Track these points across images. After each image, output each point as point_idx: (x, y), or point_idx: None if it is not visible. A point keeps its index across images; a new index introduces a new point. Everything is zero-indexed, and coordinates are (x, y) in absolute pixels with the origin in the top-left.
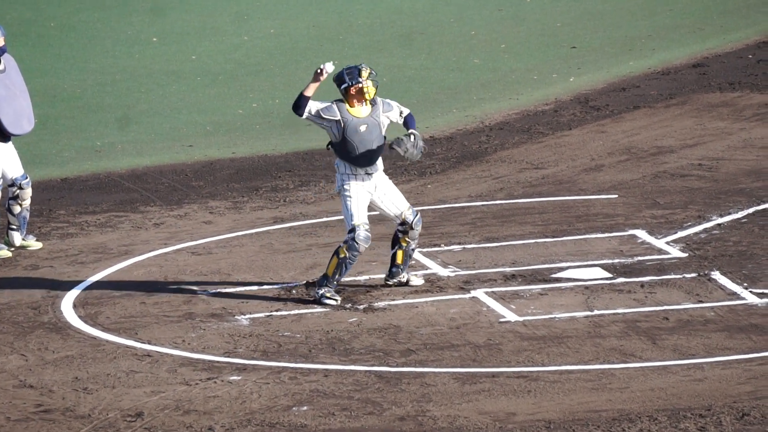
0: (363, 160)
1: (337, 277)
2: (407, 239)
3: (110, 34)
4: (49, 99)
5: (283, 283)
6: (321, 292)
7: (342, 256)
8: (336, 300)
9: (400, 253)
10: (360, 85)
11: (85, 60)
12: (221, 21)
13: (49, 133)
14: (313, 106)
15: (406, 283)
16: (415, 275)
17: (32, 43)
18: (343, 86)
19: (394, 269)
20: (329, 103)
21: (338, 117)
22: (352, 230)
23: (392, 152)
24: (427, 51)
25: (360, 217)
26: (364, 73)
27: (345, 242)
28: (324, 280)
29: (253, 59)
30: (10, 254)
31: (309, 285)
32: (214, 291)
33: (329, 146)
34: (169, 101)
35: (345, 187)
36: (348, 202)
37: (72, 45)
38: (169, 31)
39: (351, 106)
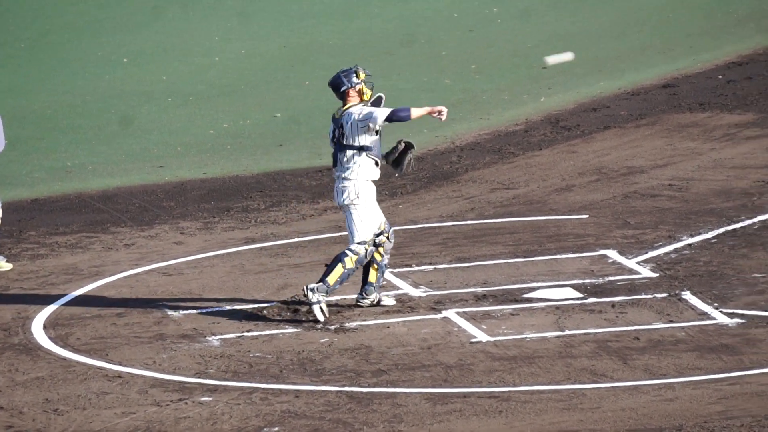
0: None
1: (336, 287)
2: (381, 252)
3: (81, 55)
4: (19, 120)
5: (255, 303)
6: (318, 300)
7: (350, 267)
8: (325, 316)
9: (373, 271)
10: (360, 87)
11: (55, 81)
12: (192, 42)
13: (19, 154)
14: (369, 117)
15: (378, 304)
16: (387, 295)
17: (2, 64)
18: (342, 88)
19: (367, 287)
20: (362, 103)
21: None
22: (364, 243)
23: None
24: (398, 71)
25: (372, 230)
26: (362, 75)
27: (355, 253)
28: (323, 287)
29: (224, 80)
30: None
31: (308, 290)
32: (185, 311)
33: (385, 157)
34: (139, 122)
35: (361, 195)
36: (365, 211)
37: (42, 66)
38: (140, 51)
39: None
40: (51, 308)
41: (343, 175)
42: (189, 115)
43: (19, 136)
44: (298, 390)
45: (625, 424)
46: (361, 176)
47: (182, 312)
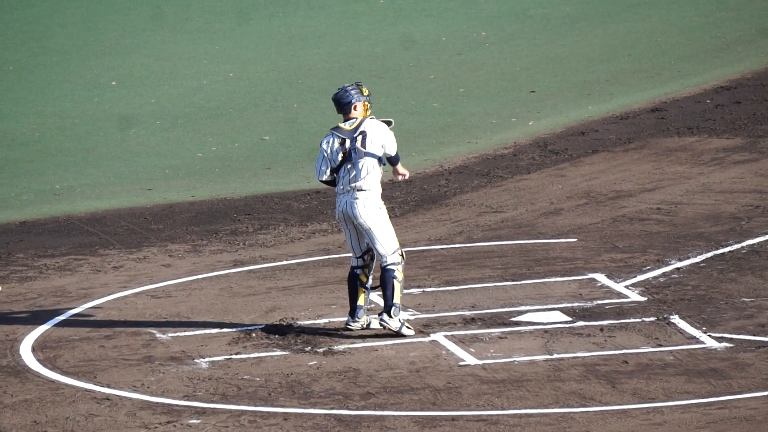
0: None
1: (402, 299)
2: (367, 274)
3: (69, 78)
4: (8, 142)
5: (243, 326)
6: (399, 324)
7: (402, 277)
8: (413, 331)
9: (362, 294)
10: (365, 102)
11: (44, 104)
12: (180, 65)
13: (7, 177)
14: (389, 138)
15: (368, 327)
16: (374, 317)
17: None
18: (351, 101)
19: (358, 311)
20: (376, 120)
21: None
22: (398, 248)
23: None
24: (386, 95)
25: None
26: (365, 91)
27: (397, 264)
28: (396, 309)
29: (213, 103)
30: None
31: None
32: (173, 334)
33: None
34: (128, 145)
35: (380, 205)
36: (386, 221)
37: (31, 88)
38: (128, 74)
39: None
40: (39, 330)
41: (358, 185)
42: (177, 138)
43: (8, 159)
44: (286, 413)
45: None
46: (375, 186)
47: (171, 334)
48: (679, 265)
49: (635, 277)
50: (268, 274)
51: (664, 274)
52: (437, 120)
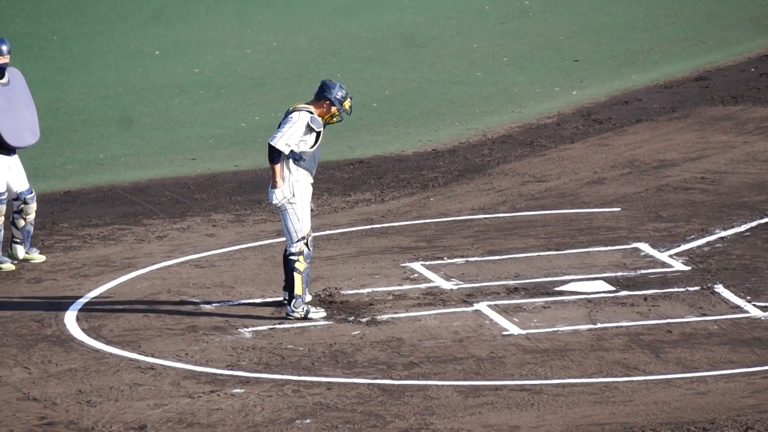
0: (315, 167)
1: (306, 291)
2: (303, 260)
3: (113, 48)
4: (52, 112)
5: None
6: (303, 312)
7: (302, 269)
8: (322, 312)
9: (299, 279)
10: (333, 109)
11: (87, 73)
12: (224, 34)
13: (52, 146)
14: (300, 125)
15: (305, 316)
16: (315, 310)
17: (35, 57)
18: (326, 94)
19: (296, 299)
20: (310, 114)
21: (321, 128)
22: (303, 239)
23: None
24: (429, 64)
25: (308, 225)
26: (346, 104)
27: (299, 253)
28: (298, 301)
29: (256, 72)
30: (13, 267)
31: (284, 310)
32: (217, 304)
33: (294, 157)
34: (171, 114)
35: (296, 194)
36: (298, 211)
37: (74, 58)
38: (172, 44)
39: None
40: (84, 300)
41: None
42: (221, 108)
43: (52, 128)
44: (329, 382)
45: (657, 417)
46: (295, 176)
47: (214, 304)
48: (724, 234)
49: (679, 246)
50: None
51: (708, 244)
52: (480, 89)
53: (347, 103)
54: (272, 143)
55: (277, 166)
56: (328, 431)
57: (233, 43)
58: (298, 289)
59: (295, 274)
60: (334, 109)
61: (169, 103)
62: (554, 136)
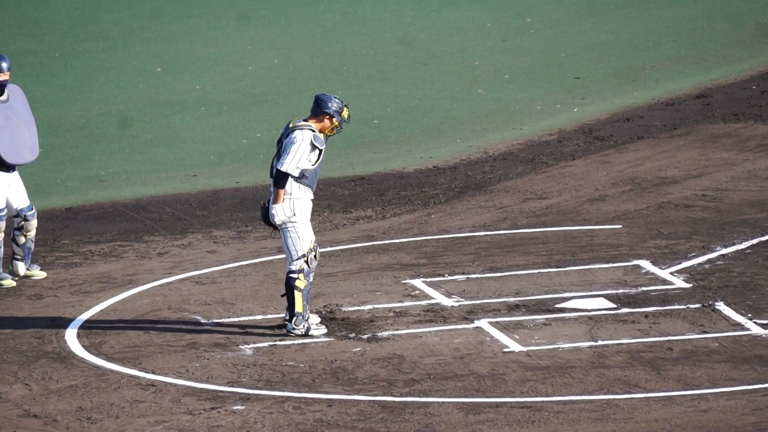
0: (316, 183)
1: (307, 308)
2: (304, 277)
3: (114, 65)
4: (53, 129)
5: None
6: (303, 329)
7: (303, 287)
8: (323, 329)
9: (299, 297)
10: (334, 120)
11: (89, 90)
12: (225, 51)
13: (53, 163)
14: (304, 145)
15: (307, 333)
16: (316, 327)
17: (36, 73)
18: (324, 109)
19: (297, 317)
20: (312, 131)
21: (324, 146)
22: (304, 257)
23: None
24: (430, 81)
25: (308, 243)
26: (345, 114)
27: (299, 271)
28: (299, 318)
29: (257, 89)
30: (14, 284)
31: (283, 325)
32: (217, 320)
33: (298, 176)
34: (173, 131)
35: (296, 212)
36: (299, 229)
37: (76, 75)
38: (173, 61)
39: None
40: (84, 316)
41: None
42: (222, 125)
43: (54, 145)
44: (330, 399)
45: None
46: (295, 193)
47: (215, 320)
48: (725, 251)
49: (680, 263)
50: None
51: (709, 261)
52: (482, 106)
53: (345, 113)
54: (283, 169)
55: (282, 190)
56: None
57: (235, 59)
58: (298, 306)
59: (296, 291)
60: (334, 121)
61: (171, 119)
62: (555, 153)
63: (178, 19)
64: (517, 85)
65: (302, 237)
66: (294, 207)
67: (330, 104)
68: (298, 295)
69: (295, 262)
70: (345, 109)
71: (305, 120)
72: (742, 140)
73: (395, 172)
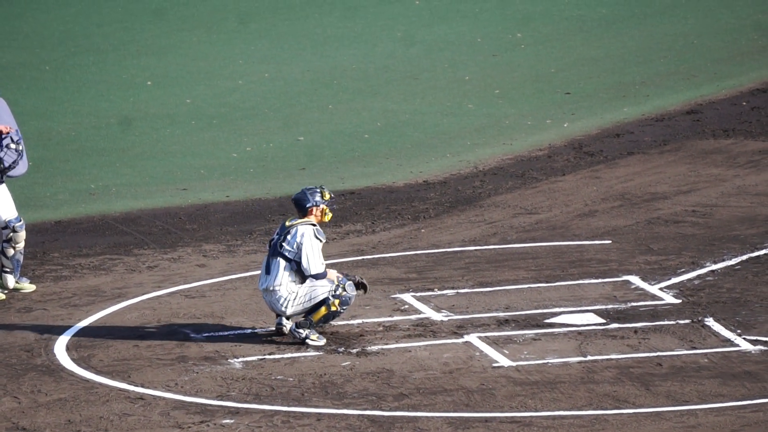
0: None
1: (321, 324)
2: (339, 304)
3: (105, 78)
4: (44, 142)
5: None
6: (305, 334)
7: (333, 309)
8: (322, 341)
9: (324, 311)
10: (323, 207)
11: (79, 103)
12: (216, 65)
13: (43, 176)
14: (313, 238)
15: (304, 341)
16: (316, 337)
17: (27, 86)
18: (308, 205)
19: (309, 321)
20: (312, 226)
21: (325, 239)
22: (338, 286)
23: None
24: (421, 96)
25: (328, 281)
26: (327, 195)
27: (337, 296)
28: (308, 324)
29: (248, 103)
30: (3, 296)
31: (284, 326)
32: (207, 334)
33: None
34: (163, 145)
35: (299, 293)
36: (313, 290)
37: (66, 88)
38: (164, 74)
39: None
40: (74, 330)
41: (272, 287)
42: (212, 138)
43: (44, 158)
44: (319, 413)
45: None
46: (288, 285)
47: (204, 334)
48: (714, 267)
49: (670, 279)
50: None
51: (698, 277)
52: (472, 121)
53: (326, 195)
54: (314, 273)
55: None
56: None
57: (225, 73)
58: (316, 316)
59: (324, 306)
60: (321, 208)
61: (161, 133)
62: (545, 169)
63: (169, 33)
64: (508, 100)
65: (320, 286)
66: (297, 289)
67: (311, 198)
68: (323, 309)
69: (333, 289)
70: (323, 192)
71: (300, 219)
72: (732, 156)
73: (385, 187)
